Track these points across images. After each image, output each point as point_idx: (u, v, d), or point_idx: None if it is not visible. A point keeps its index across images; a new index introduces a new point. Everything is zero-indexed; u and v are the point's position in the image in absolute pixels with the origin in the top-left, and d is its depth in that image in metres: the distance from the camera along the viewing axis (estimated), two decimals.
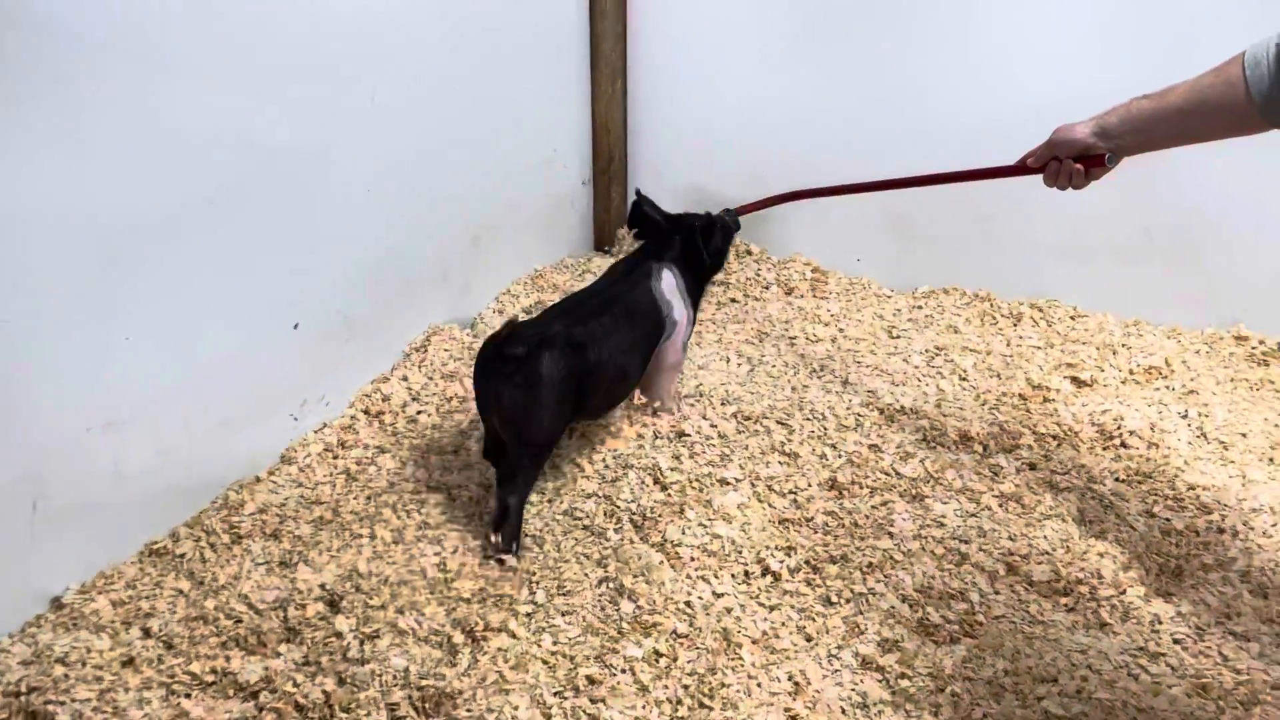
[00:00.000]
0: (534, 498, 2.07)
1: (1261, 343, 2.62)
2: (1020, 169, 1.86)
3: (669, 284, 2.26)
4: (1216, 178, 2.53)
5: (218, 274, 1.97)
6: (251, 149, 1.98)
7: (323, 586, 1.81)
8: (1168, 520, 1.99)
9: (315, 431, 2.30)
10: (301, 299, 2.19)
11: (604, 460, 2.17)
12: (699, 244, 2.30)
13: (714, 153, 3.17)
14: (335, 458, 2.23)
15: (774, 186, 3.05)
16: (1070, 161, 1.74)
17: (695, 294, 2.36)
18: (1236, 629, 1.72)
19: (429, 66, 2.42)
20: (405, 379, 2.47)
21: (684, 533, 1.95)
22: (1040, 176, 1.82)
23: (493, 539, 1.91)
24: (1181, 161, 2.43)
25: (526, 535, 1.97)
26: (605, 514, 2.02)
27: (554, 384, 1.90)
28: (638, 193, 2.40)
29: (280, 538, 1.97)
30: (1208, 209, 2.61)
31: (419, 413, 2.38)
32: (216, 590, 1.83)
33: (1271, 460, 2.15)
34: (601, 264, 3.20)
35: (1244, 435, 2.22)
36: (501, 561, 1.89)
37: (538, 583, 1.84)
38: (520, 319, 1.99)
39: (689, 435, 2.24)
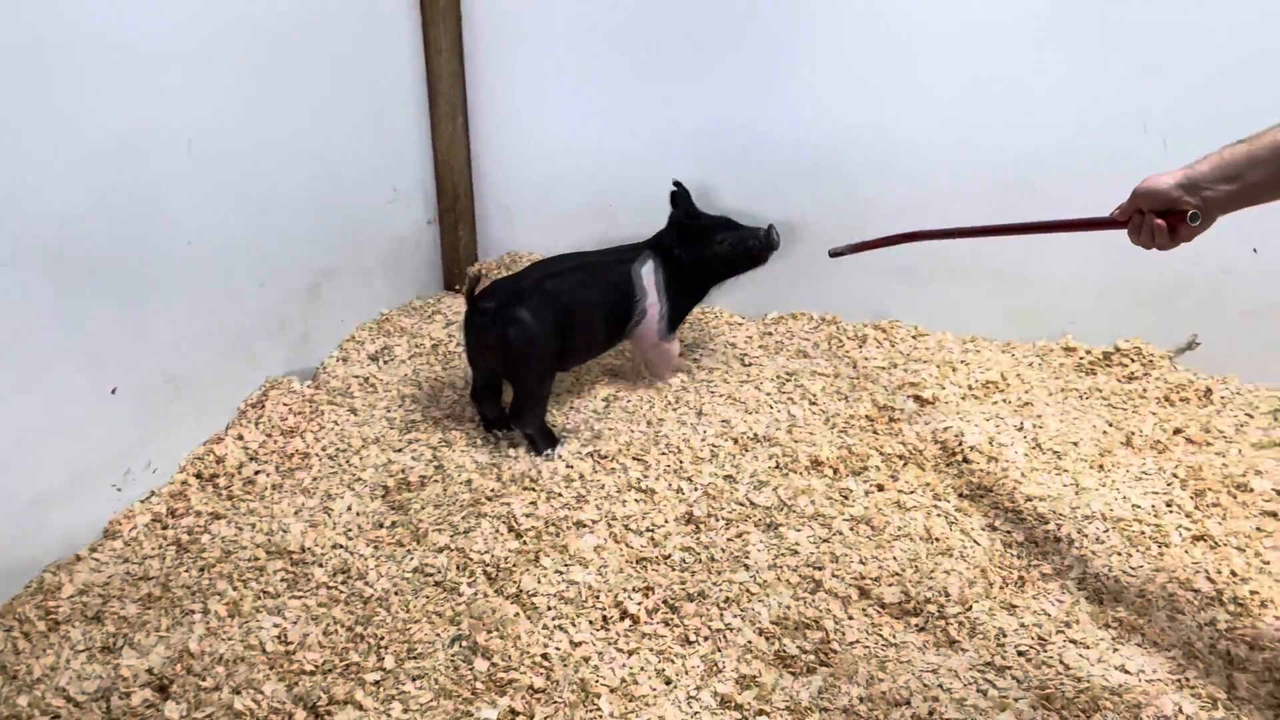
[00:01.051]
0: (382, 556, 1.99)
1: (1089, 352, 2.75)
2: (1108, 222, 1.65)
3: (647, 272, 2.49)
4: (1036, 197, 2.65)
5: (20, 336, 1.82)
6: (51, 203, 1.84)
7: (150, 671, 1.68)
8: (1009, 533, 2.05)
9: (142, 501, 2.15)
10: (119, 359, 2.05)
11: (457, 509, 2.11)
12: (671, 241, 2.50)
13: (563, 186, 3.15)
14: (164, 528, 2.09)
15: (624, 219, 3.07)
16: (1152, 216, 1.54)
17: (680, 291, 2.55)
18: (1076, 636, 1.78)
19: (253, 109, 2.32)
20: (241, 438, 2.34)
21: (540, 581, 1.90)
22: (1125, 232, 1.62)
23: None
24: None
25: (373, 598, 1.88)
26: (458, 568, 1.96)
27: (531, 330, 2.24)
28: (676, 183, 2.56)
29: (103, 620, 1.83)
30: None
31: (257, 473, 2.27)
32: (31, 684, 1.68)
33: (1101, 467, 2.25)
34: (453, 304, 3.13)
35: (1075, 444, 2.32)
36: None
37: (385, 647, 1.76)
38: (479, 276, 2.29)
39: (544, 478, 2.20)
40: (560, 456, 2.29)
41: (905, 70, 2.68)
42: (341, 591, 1.92)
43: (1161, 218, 1.53)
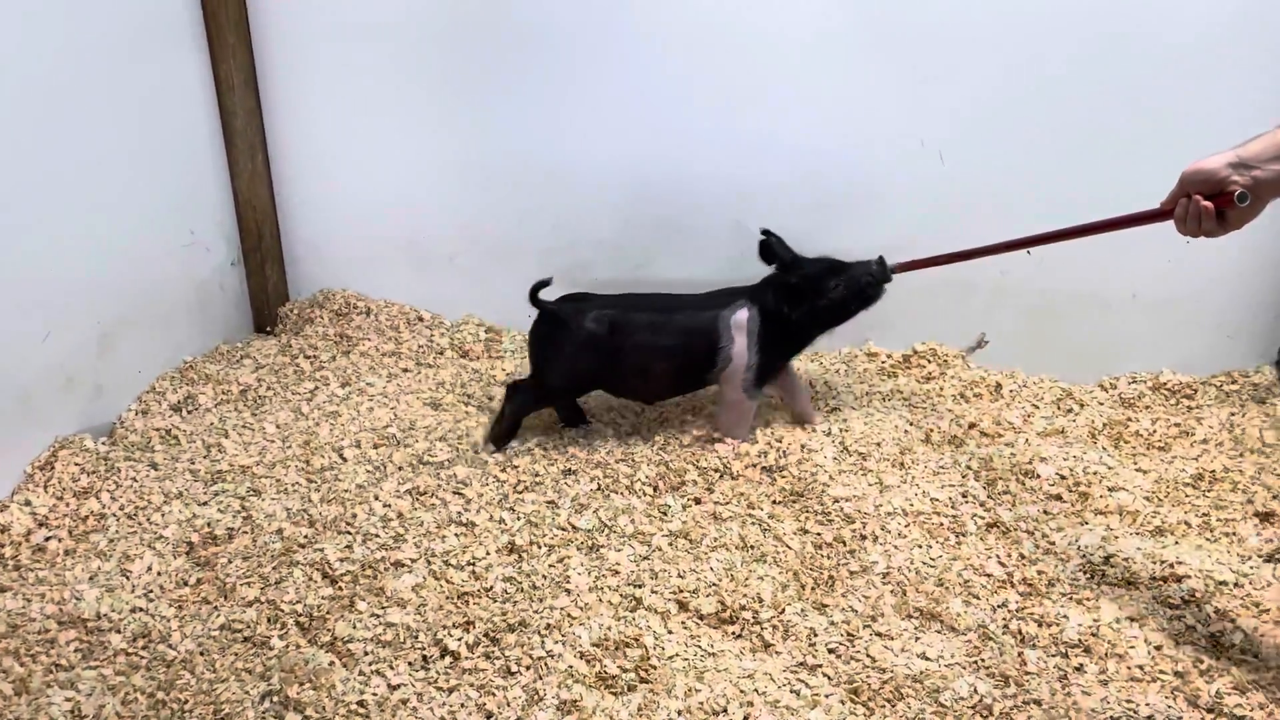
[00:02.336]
0: (186, 616, 1.90)
1: (889, 356, 2.90)
2: (1156, 214, 1.62)
3: (739, 321, 2.36)
4: (821, 211, 2.78)
5: None
6: None
7: None
8: (819, 534, 2.13)
9: None
10: None
11: (268, 560, 2.03)
12: (779, 301, 2.34)
13: (372, 220, 3.09)
14: None
15: (438, 250, 3.04)
16: (1199, 200, 1.48)
17: (776, 343, 2.38)
18: (881, 629, 1.87)
19: (31, 154, 2.19)
20: (28, 503, 2.18)
21: (355, 627, 1.85)
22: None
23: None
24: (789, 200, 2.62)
25: (176, 661, 1.79)
26: (269, 620, 1.88)
27: (563, 338, 2.34)
28: (765, 232, 2.41)
29: None
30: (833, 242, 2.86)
31: (48, 539, 2.12)
32: None
33: (902, 465, 2.37)
34: (263, 345, 3.02)
35: (879, 445, 2.44)
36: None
37: (190, 711, 1.67)
38: (548, 281, 2.35)
39: (359, 520, 2.15)
40: (376, 497, 2.24)
41: (698, 101, 2.77)
42: (142, 657, 1.82)
43: (1210, 200, 1.47)
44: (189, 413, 2.63)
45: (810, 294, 2.33)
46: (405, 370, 2.92)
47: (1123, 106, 2.57)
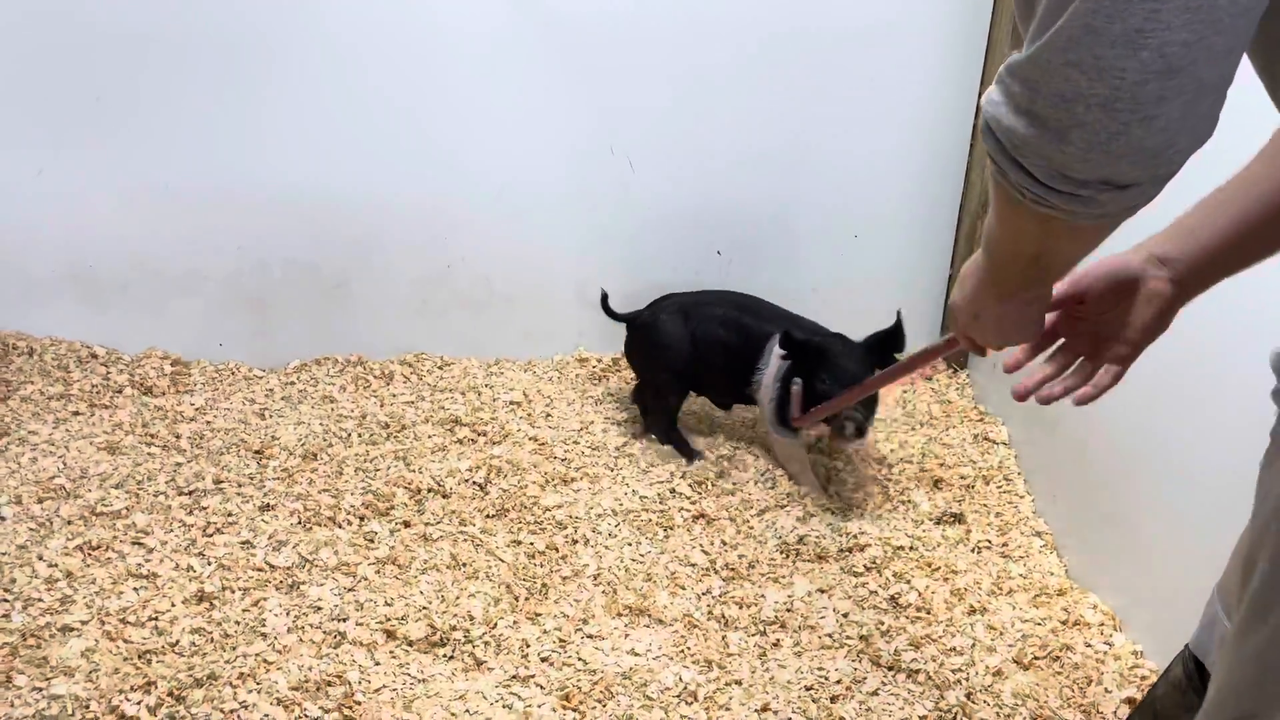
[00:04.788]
0: None
1: (599, 360, 2.95)
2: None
3: (775, 360, 2.33)
4: (520, 219, 2.80)
5: None
6: None
7: None
8: (532, 544, 2.13)
9: None
10: None
11: None
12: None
13: (28, 252, 2.75)
14: None
15: (109, 280, 2.77)
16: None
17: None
18: (592, 631, 1.89)
19: None
20: None
21: (12, 705, 1.64)
22: None
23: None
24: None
25: None
26: None
27: (657, 338, 2.48)
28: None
29: None
30: (543, 257, 2.88)
31: None
32: None
33: (615, 466, 2.41)
34: None
35: (595, 450, 2.47)
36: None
37: None
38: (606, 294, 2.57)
39: (19, 584, 1.91)
40: (40, 558, 2.00)
41: (385, 114, 2.69)
42: None
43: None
44: None
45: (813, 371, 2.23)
46: (76, 414, 2.63)
47: (800, 105, 2.74)
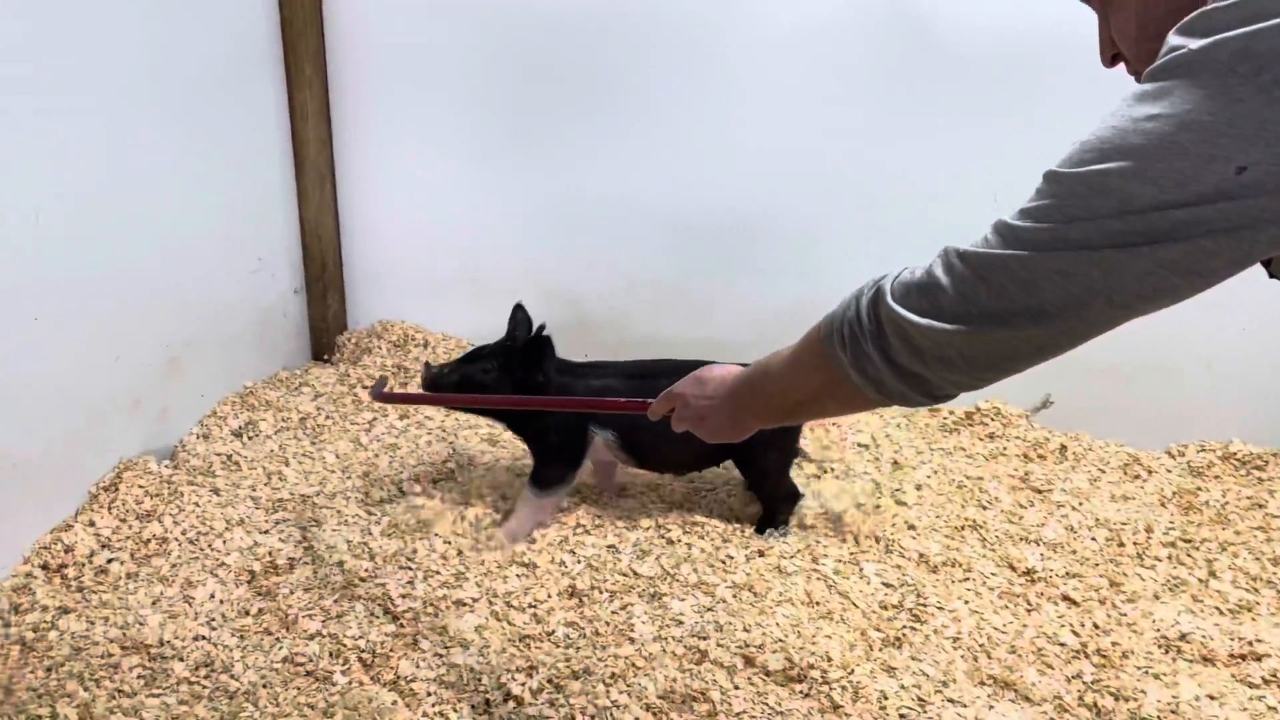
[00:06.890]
0: (249, 647, 1.88)
1: (951, 413, 2.87)
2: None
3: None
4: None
5: None
6: None
7: None
8: (888, 591, 2.09)
9: None
10: None
11: (329, 592, 2.02)
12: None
13: (434, 253, 3.11)
14: (6, 626, 1.93)
15: (497, 286, 3.05)
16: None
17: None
18: (953, 695, 1.82)
19: (106, 177, 2.21)
20: (92, 524, 2.19)
21: (419, 666, 1.83)
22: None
23: None
24: None
25: (239, 693, 1.78)
26: (331, 655, 1.87)
27: None
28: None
29: None
30: None
31: (110, 561, 2.12)
32: None
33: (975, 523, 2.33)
34: (321, 374, 3.03)
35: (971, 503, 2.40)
36: None
37: None
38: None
39: (420, 556, 2.13)
40: (437, 533, 2.22)
41: (743, 137, 2.78)
42: (205, 687, 1.80)
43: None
44: (249, 439, 2.64)
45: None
46: None
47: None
